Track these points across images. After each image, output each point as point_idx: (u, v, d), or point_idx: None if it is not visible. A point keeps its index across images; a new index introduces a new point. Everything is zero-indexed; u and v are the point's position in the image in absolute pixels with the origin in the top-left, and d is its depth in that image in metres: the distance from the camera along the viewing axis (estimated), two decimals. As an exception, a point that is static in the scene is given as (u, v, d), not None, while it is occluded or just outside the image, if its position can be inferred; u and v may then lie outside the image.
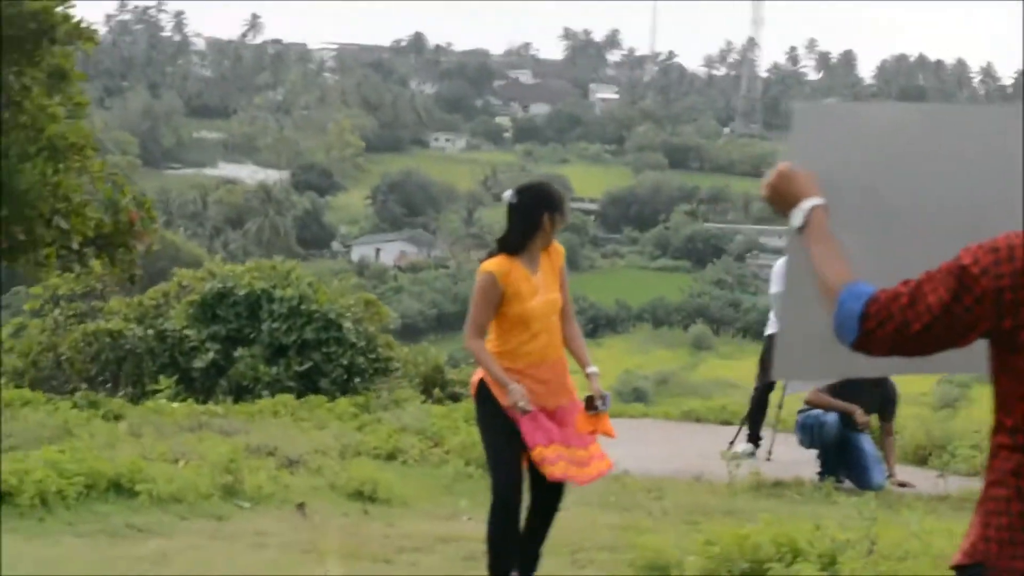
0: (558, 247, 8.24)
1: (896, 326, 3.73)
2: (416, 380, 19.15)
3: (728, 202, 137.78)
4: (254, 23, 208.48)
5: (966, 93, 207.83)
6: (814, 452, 13.13)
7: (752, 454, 13.86)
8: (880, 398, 12.98)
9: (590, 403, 7.94)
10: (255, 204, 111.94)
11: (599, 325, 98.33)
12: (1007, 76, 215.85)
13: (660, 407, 22.33)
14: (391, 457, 12.73)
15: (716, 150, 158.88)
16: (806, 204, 4.05)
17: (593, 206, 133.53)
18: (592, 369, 8.12)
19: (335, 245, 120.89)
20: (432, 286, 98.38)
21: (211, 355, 18.23)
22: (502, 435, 7.82)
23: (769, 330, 14.76)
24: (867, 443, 12.67)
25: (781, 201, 4.14)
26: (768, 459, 13.67)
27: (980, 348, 3.78)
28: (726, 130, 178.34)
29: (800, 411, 13.15)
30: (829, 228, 4.04)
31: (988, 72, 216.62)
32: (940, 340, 3.76)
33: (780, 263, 13.48)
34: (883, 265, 4.03)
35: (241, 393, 17.37)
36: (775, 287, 13.93)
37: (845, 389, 12.67)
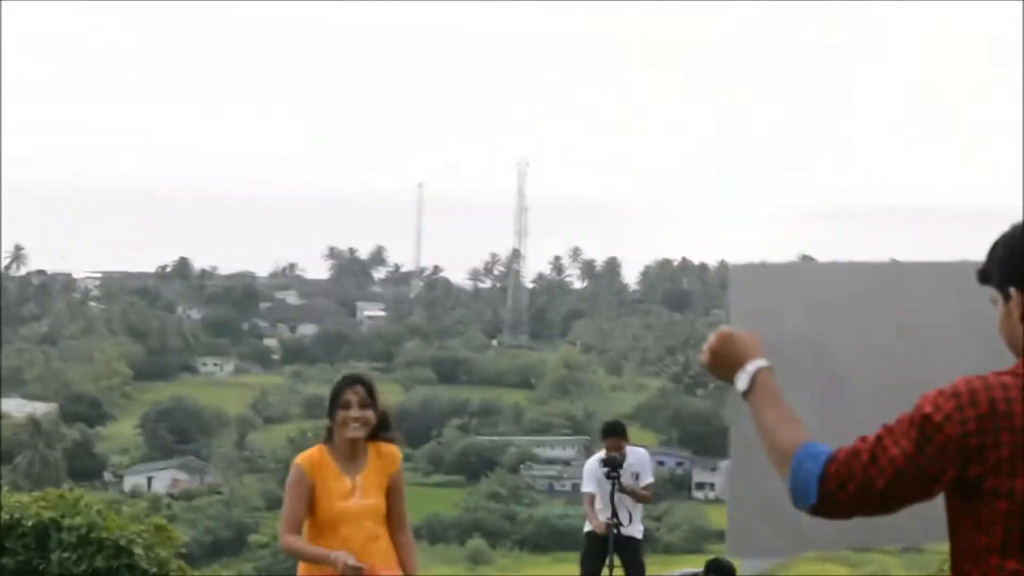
0: (392, 451, 7.87)
1: (859, 484, 3.57)
2: None
3: (499, 414, 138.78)
4: (17, 255, 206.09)
5: (730, 294, 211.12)
6: None
7: None
8: None
9: None
10: (24, 438, 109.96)
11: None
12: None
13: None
14: None
15: (485, 362, 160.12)
16: (751, 366, 3.91)
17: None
18: None
19: (106, 475, 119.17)
20: (206, 513, 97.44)
21: (1, 590, 17.42)
22: None
23: (587, 528, 14.51)
24: None
25: (723, 366, 4.00)
26: None
27: (936, 513, 3.70)
28: (494, 342, 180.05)
29: None
30: (777, 389, 3.88)
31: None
32: (905, 495, 3.62)
33: (590, 462, 14.41)
34: (833, 425, 3.92)
35: None
36: (586, 486, 14.26)
37: None
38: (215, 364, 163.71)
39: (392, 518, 7.80)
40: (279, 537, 7.70)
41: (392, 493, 7.78)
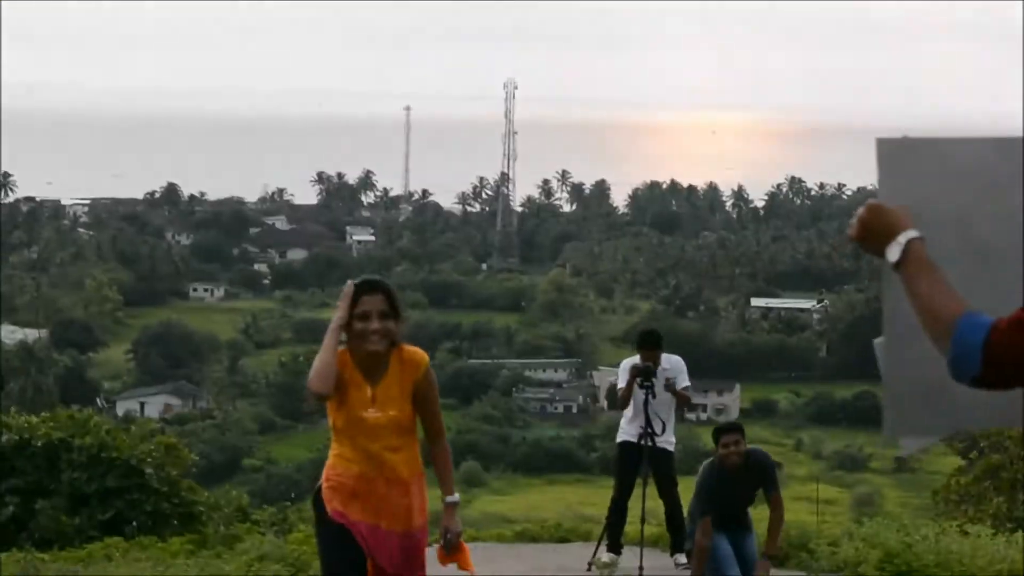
0: (416, 355, 7.26)
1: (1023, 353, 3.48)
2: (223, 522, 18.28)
3: (490, 337, 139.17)
4: (5, 182, 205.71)
5: (719, 216, 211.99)
6: (685, 565, 13.17)
7: (615, 563, 13.86)
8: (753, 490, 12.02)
9: (443, 536, 7.35)
10: (16, 364, 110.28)
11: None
12: (758, 198, 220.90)
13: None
14: None
15: (475, 286, 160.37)
16: (902, 237, 3.81)
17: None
18: (449, 499, 7.39)
19: (99, 401, 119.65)
20: (200, 437, 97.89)
21: (11, 508, 17.65)
22: (336, 548, 7.11)
23: (620, 438, 14.26)
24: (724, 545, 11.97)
25: (873, 238, 3.89)
26: (640, 573, 13.22)
27: None
28: (484, 266, 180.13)
29: None
30: (930, 260, 3.78)
31: (739, 195, 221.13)
32: None
33: (625, 361, 13.95)
34: (980, 299, 3.78)
35: (43, 545, 16.58)
36: (622, 382, 13.88)
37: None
38: (205, 289, 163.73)
39: (426, 429, 7.32)
40: (308, 388, 7.01)
41: (419, 402, 7.19)
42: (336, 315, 7.02)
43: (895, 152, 4.21)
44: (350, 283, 7.21)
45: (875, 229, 3.88)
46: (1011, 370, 3.47)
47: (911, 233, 3.81)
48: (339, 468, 7.17)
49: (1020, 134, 4.31)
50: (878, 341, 4.21)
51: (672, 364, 13.84)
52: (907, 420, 4.23)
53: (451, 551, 7.37)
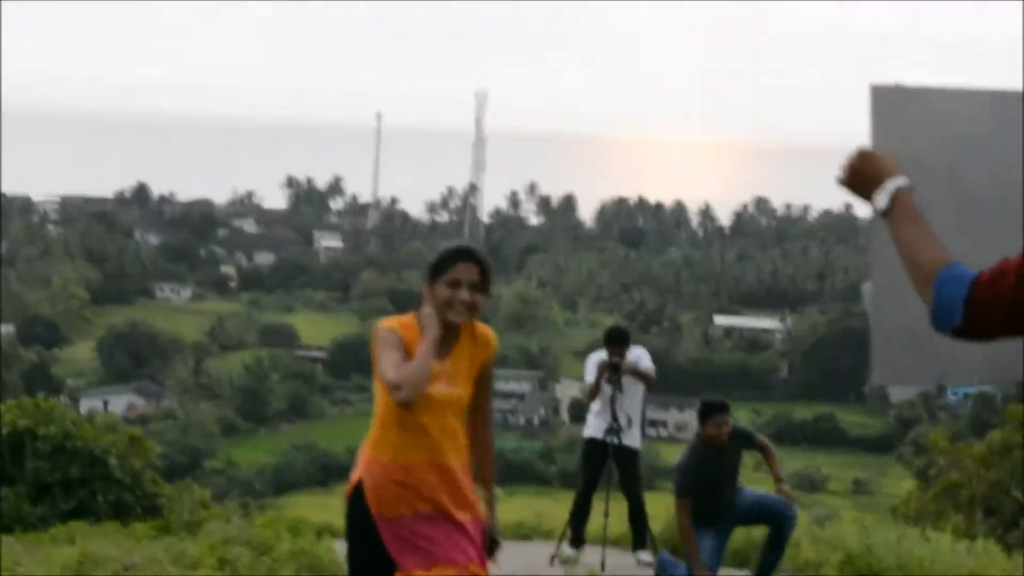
0: (488, 334, 6.70)
1: (1005, 305, 3.46)
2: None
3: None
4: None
5: (685, 234, 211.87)
6: (647, 562, 13.41)
7: (578, 558, 13.91)
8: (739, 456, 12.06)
9: (488, 537, 6.67)
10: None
11: (330, 473, 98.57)
12: (724, 217, 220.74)
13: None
14: (221, 567, 12.44)
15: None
16: (890, 184, 3.79)
17: (320, 354, 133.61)
18: (494, 492, 6.88)
19: (63, 398, 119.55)
20: (162, 437, 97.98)
21: (-26, 496, 17.38)
22: (365, 550, 6.37)
23: (587, 433, 14.33)
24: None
25: (861, 184, 3.88)
26: (602, 572, 13.31)
27: None
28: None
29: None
30: (917, 209, 3.75)
31: (706, 213, 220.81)
32: None
33: (593, 355, 14.13)
34: (966, 249, 3.78)
35: (5, 532, 16.28)
36: (590, 376, 13.99)
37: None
38: (172, 290, 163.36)
39: (477, 411, 6.75)
40: (390, 382, 6.11)
41: (482, 383, 6.69)
42: (434, 324, 6.37)
43: (888, 100, 4.23)
44: (442, 248, 6.60)
45: (864, 175, 3.90)
46: (992, 322, 3.49)
47: (899, 181, 3.82)
48: (385, 459, 6.39)
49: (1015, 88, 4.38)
50: (867, 287, 4.38)
51: (637, 354, 14.05)
52: (895, 368, 4.27)
53: (493, 553, 6.71)
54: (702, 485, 11.73)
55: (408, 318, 6.44)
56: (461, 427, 6.55)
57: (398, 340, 6.29)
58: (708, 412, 11.76)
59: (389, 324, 6.41)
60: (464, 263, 6.43)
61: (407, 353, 6.25)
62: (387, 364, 6.17)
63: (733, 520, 12.26)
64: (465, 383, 6.53)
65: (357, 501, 6.36)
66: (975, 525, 19.24)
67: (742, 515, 12.23)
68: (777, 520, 11.98)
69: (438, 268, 6.42)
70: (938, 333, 3.58)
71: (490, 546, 6.65)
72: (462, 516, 6.42)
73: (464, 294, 6.40)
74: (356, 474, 6.41)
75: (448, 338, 6.44)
